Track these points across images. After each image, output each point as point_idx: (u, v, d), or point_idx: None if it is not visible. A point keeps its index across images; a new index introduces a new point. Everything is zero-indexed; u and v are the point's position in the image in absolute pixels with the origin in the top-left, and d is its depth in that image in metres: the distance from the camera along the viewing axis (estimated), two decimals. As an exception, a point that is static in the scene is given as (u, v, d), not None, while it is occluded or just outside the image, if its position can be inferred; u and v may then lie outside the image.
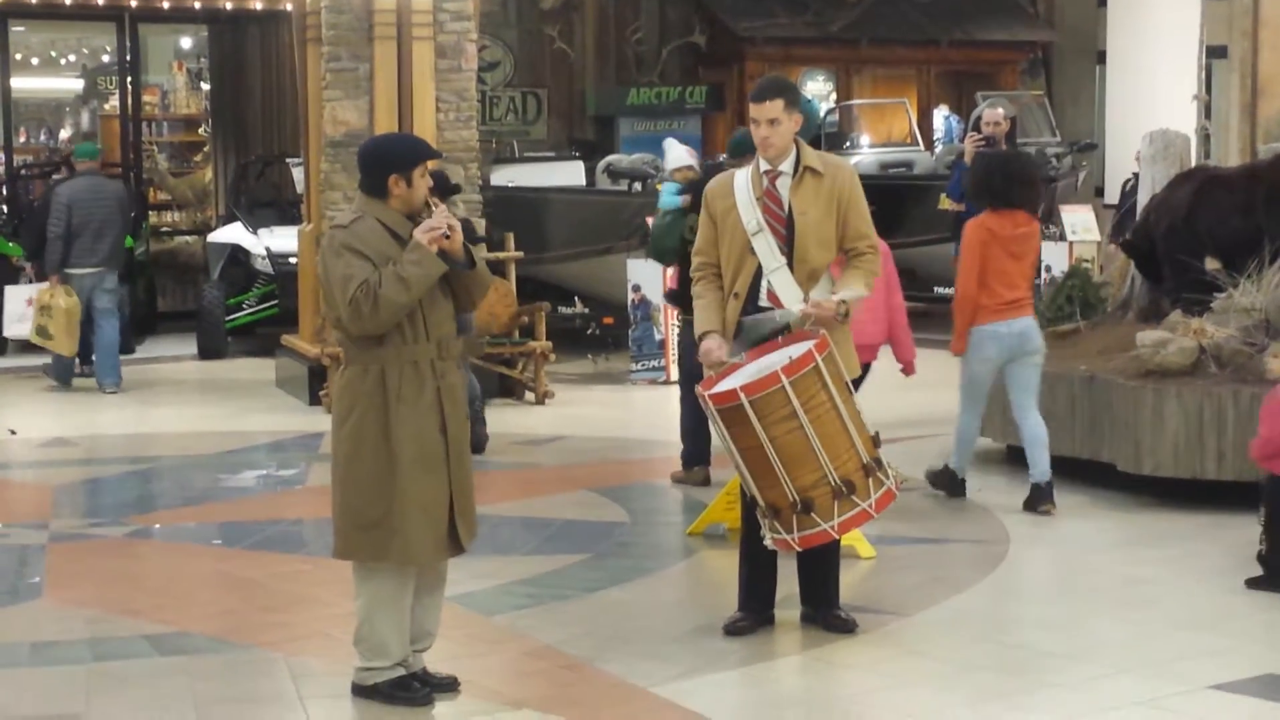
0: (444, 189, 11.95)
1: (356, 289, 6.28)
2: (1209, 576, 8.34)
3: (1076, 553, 8.86)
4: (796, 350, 6.93)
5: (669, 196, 10.76)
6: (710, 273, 7.42)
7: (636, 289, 15.55)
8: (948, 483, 10.21)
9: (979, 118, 18.94)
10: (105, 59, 27.72)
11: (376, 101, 14.28)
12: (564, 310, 17.63)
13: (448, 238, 6.38)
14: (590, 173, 19.36)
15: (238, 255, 18.31)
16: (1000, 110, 13.36)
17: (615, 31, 23.52)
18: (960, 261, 9.95)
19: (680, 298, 10.23)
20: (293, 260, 16.22)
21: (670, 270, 11.01)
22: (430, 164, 6.58)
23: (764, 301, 7.28)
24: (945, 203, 13.17)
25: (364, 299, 6.28)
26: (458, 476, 6.53)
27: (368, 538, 6.44)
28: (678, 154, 11.73)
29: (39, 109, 33.26)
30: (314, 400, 13.89)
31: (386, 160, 6.51)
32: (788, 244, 7.24)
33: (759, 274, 7.27)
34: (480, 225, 14.80)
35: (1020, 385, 9.88)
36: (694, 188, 10.14)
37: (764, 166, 7.36)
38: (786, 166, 7.32)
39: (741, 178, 7.38)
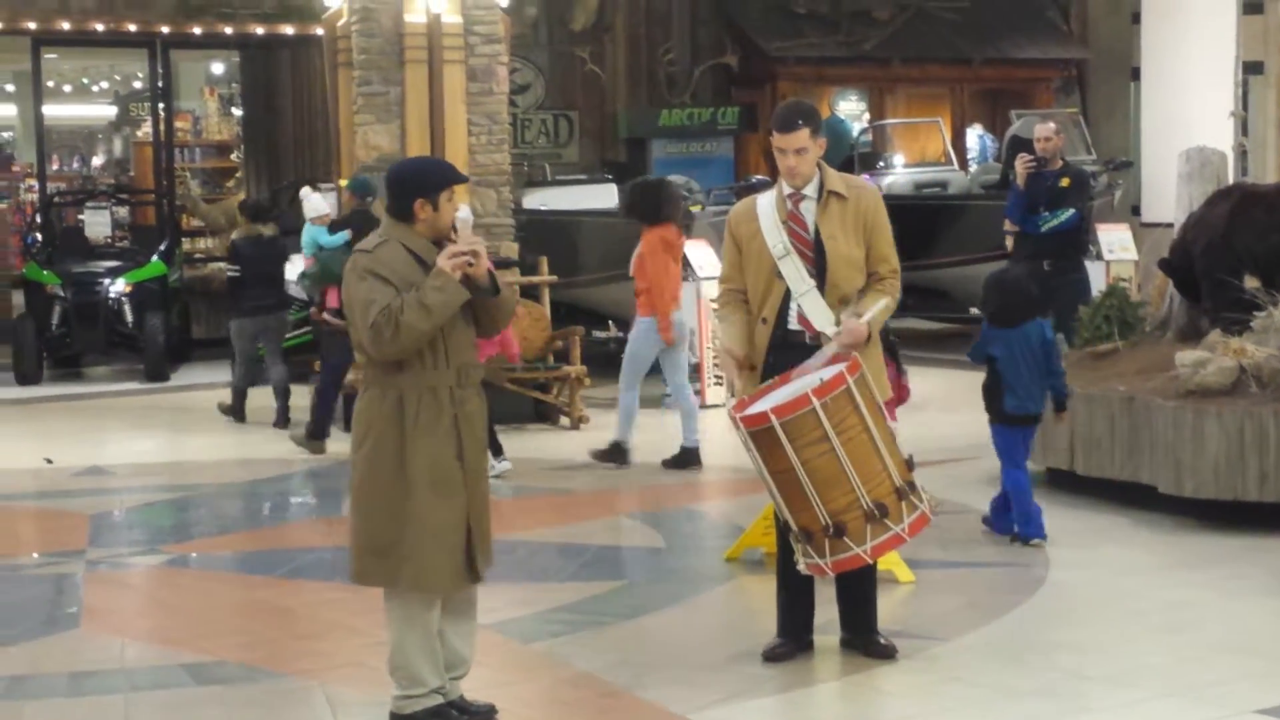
0: (257, 214, 15.29)
1: (378, 314, 6.25)
2: (1252, 599, 8.27)
3: (1116, 576, 8.79)
4: (828, 372, 6.89)
5: (327, 237, 13.59)
6: (736, 298, 7.39)
7: (670, 312, 15.50)
8: (615, 455, 12.13)
9: (1013, 136, 19.01)
10: (137, 85, 27.88)
11: (408, 125, 14.29)
12: (598, 334, 17.60)
13: (472, 264, 6.35)
14: (623, 195, 19.33)
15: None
16: (1052, 125, 13.29)
17: (647, 53, 23.53)
18: (652, 268, 12.01)
19: (344, 313, 11.86)
20: (326, 285, 16.21)
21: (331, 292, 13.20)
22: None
23: (794, 325, 7.24)
24: (1006, 224, 13.12)
25: (385, 324, 6.25)
26: (474, 504, 6.49)
27: (381, 563, 6.42)
28: (315, 203, 14.33)
29: (72, 136, 33.44)
30: (349, 426, 13.85)
31: (412, 184, 6.49)
32: (817, 268, 7.20)
33: (788, 297, 7.24)
34: (513, 249, 14.82)
35: (674, 366, 12.35)
36: (354, 222, 13.06)
37: (787, 190, 7.32)
38: (810, 190, 7.29)
39: (765, 202, 7.35)
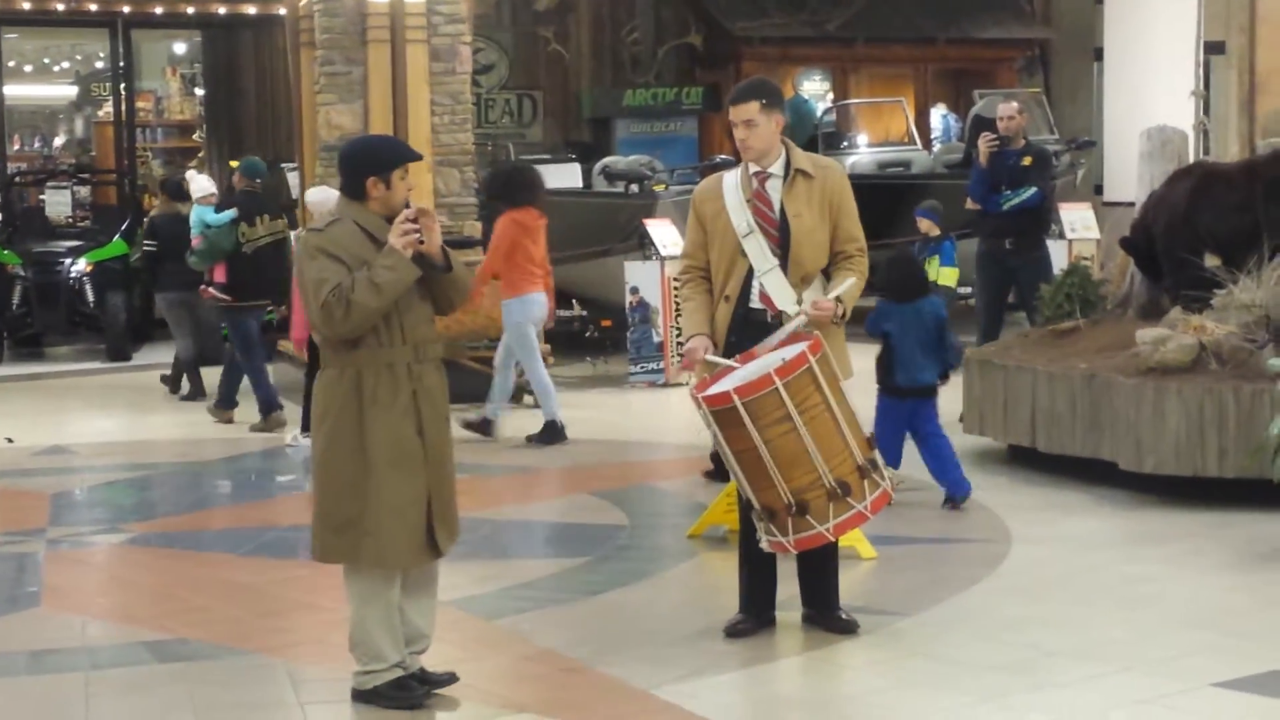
0: (176, 193, 15.82)
1: (329, 293, 6.25)
2: (1211, 574, 8.31)
3: (1078, 551, 8.82)
4: (790, 352, 6.89)
5: (213, 215, 14.08)
6: (697, 275, 7.39)
7: (634, 291, 15.54)
8: (551, 435, 12.24)
9: (977, 116, 19.05)
10: (99, 65, 27.77)
11: (371, 105, 14.27)
12: (561, 313, 17.59)
13: (423, 241, 6.34)
14: (587, 175, 19.34)
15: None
16: (1015, 104, 13.34)
17: (611, 33, 23.51)
18: (492, 249, 12.37)
19: (230, 289, 13.70)
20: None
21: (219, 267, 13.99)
22: (409, 167, 6.54)
23: (756, 304, 7.24)
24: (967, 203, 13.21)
25: (336, 303, 6.24)
26: (436, 479, 6.49)
27: (341, 539, 6.42)
28: (200, 183, 15.02)
29: (33, 116, 33.29)
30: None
31: (365, 162, 6.48)
32: (781, 246, 7.20)
33: (750, 276, 7.24)
34: (476, 229, 14.81)
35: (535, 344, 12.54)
36: (241, 202, 13.93)
37: (753, 168, 7.32)
38: (776, 168, 7.29)
39: (731, 180, 7.35)
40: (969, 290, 17.26)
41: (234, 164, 15.20)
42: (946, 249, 15.20)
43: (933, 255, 15.10)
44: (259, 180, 14.35)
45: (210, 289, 13.90)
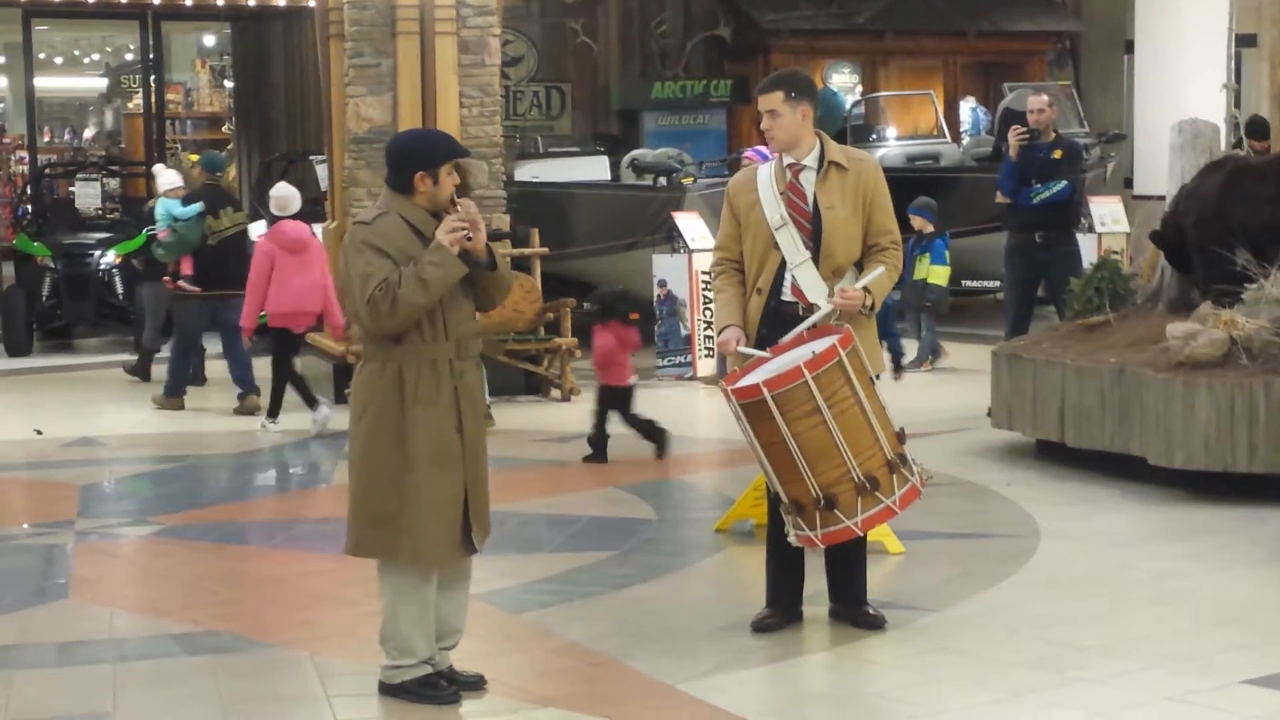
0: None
1: (375, 288, 6.24)
2: (1241, 570, 8.28)
3: (1107, 547, 8.80)
4: (820, 345, 6.87)
5: (180, 209, 14.48)
6: (730, 267, 7.38)
7: (662, 284, 15.52)
8: None
9: (1006, 109, 18.99)
10: (128, 57, 27.84)
11: (400, 97, 14.26)
12: (589, 306, 17.58)
13: (470, 239, 6.34)
14: (615, 167, 19.31)
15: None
16: (1045, 97, 13.32)
17: (640, 25, 23.47)
18: None
19: (197, 280, 14.16)
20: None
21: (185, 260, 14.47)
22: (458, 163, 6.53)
23: (788, 296, 7.23)
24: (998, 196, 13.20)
25: (382, 298, 6.24)
26: (473, 476, 6.49)
27: (378, 535, 6.42)
28: (168, 177, 15.41)
29: (63, 108, 33.42)
30: (339, 398, 13.87)
31: (413, 157, 6.47)
32: (813, 239, 7.19)
33: (783, 268, 7.22)
34: (505, 221, 14.81)
35: None
36: (205, 195, 14.52)
37: (787, 160, 7.30)
38: (810, 160, 7.27)
39: (765, 172, 7.33)
40: (997, 284, 17.28)
41: (193, 158, 15.49)
42: (938, 247, 15.16)
43: (923, 253, 15.08)
44: (219, 174, 15.04)
45: (179, 282, 14.36)
